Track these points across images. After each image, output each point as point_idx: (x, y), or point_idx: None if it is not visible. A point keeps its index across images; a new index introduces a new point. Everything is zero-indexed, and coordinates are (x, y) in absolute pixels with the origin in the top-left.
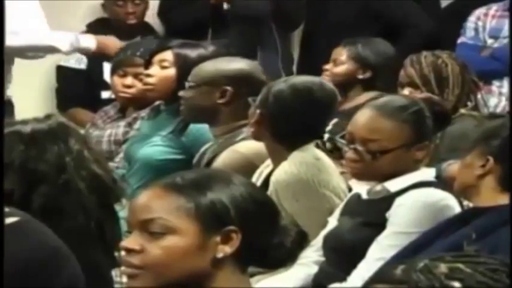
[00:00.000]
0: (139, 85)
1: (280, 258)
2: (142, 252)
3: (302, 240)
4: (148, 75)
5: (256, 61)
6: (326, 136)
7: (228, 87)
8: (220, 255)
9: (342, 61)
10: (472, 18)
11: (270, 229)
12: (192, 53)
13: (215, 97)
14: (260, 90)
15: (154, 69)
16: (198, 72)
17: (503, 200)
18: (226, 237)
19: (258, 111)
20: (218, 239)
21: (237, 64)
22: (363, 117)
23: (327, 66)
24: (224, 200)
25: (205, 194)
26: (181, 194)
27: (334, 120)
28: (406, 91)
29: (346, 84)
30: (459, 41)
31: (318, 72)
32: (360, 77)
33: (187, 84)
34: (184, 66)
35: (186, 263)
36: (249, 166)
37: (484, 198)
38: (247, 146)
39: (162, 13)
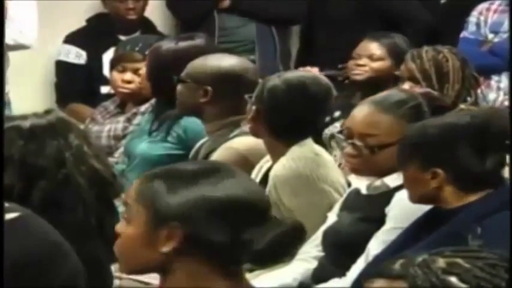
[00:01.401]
0: (138, 80)
1: (259, 253)
2: (119, 236)
3: (296, 234)
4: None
5: (252, 56)
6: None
7: (209, 87)
8: (163, 249)
9: (379, 56)
10: (474, 13)
11: (234, 228)
12: (163, 46)
13: (198, 95)
14: (248, 88)
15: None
16: (188, 68)
17: (470, 199)
18: (170, 233)
19: (254, 107)
20: (164, 233)
21: (222, 63)
22: (360, 112)
23: (361, 62)
24: (180, 199)
25: (168, 187)
26: (151, 183)
27: None
28: (406, 85)
29: (383, 80)
30: (461, 35)
31: (318, 67)
32: (397, 73)
33: (176, 79)
34: (154, 61)
35: (138, 252)
36: (243, 162)
37: (449, 203)
38: (242, 142)
39: (170, 2)
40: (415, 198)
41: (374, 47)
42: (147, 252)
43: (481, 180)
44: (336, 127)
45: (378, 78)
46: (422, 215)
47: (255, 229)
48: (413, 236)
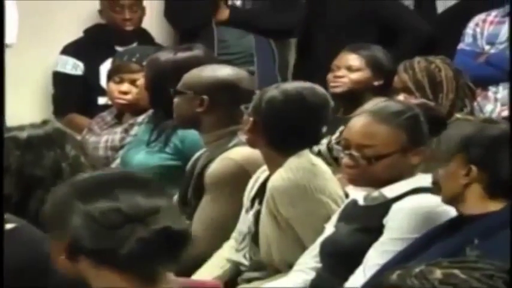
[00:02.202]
0: (135, 91)
1: (124, 257)
2: None
3: (169, 240)
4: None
5: (251, 67)
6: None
7: (205, 96)
8: (62, 257)
9: (358, 67)
10: (471, 25)
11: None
12: (162, 57)
13: (195, 105)
14: (244, 98)
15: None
16: (184, 79)
17: (492, 207)
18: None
19: (251, 118)
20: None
21: (217, 72)
22: (358, 123)
23: (340, 73)
24: (65, 209)
25: (60, 195)
26: None
27: (342, 128)
28: (401, 97)
29: (362, 92)
30: (458, 47)
31: (315, 77)
32: (376, 83)
33: (172, 91)
34: (152, 72)
35: (60, 263)
36: (241, 173)
37: (472, 207)
38: (240, 152)
39: (168, 13)
40: (446, 197)
41: (352, 58)
42: (63, 262)
43: (509, 189)
44: (322, 144)
45: (357, 90)
46: (436, 225)
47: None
48: (424, 246)
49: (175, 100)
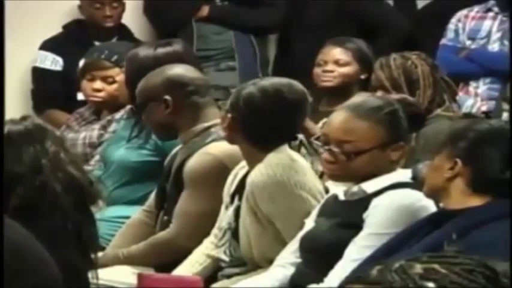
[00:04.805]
0: (108, 88)
1: None
2: None
3: None
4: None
5: (231, 63)
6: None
7: (167, 97)
8: None
9: (346, 61)
10: (453, 20)
11: None
12: (141, 53)
13: (162, 109)
14: (199, 87)
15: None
16: (140, 93)
17: (473, 202)
18: None
19: (229, 115)
20: None
21: (166, 72)
22: (337, 118)
23: (329, 68)
24: None
25: None
26: None
27: (325, 120)
28: (379, 94)
29: (351, 85)
30: (441, 42)
31: (295, 73)
32: (362, 77)
33: (135, 108)
34: (132, 68)
35: None
36: (220, 167)
37: (454, 201)
38: (218, 147)
39: (148, 11)
40: (429, 191)
41: (339, 52)
42: None
43: (492, 185)
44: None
45: (347, 84)
46: (417, 220)
47: None
48: (405, 241)
49: (144, 116)
